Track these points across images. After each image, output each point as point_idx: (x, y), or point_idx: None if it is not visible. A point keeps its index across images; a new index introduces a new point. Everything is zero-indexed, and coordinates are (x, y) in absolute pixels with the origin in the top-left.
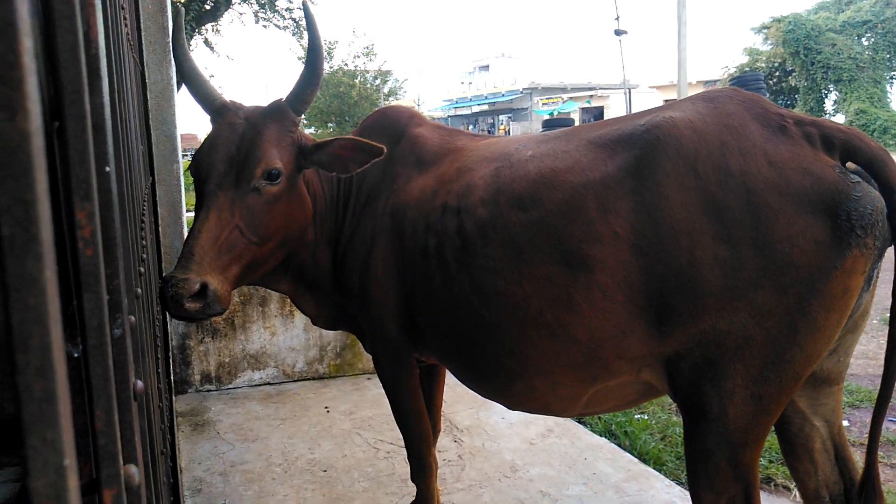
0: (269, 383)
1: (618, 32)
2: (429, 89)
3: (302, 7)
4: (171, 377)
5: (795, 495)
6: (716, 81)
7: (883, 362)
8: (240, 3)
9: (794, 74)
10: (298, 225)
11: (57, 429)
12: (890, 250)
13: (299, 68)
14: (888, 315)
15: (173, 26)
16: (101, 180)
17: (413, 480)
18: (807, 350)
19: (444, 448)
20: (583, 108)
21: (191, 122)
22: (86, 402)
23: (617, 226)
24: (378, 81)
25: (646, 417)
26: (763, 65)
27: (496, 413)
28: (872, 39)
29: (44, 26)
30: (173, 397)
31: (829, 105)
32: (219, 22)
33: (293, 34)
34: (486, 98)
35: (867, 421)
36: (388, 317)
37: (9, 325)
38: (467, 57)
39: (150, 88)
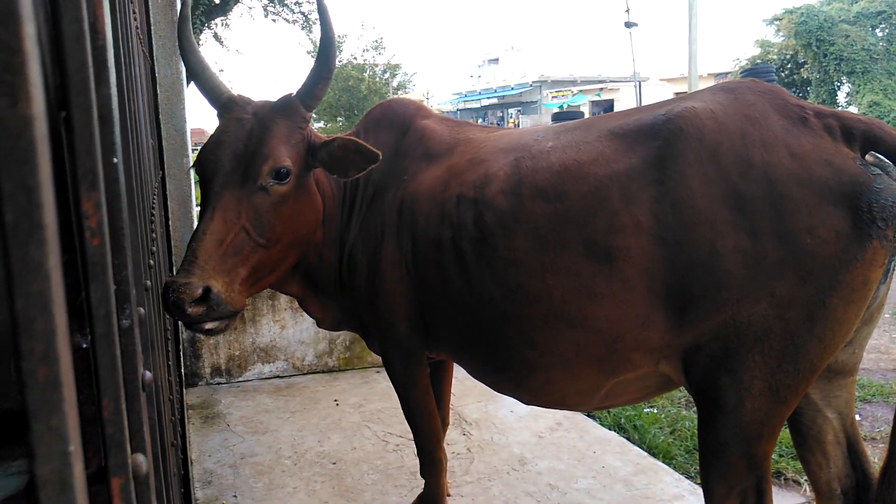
0: (278, 376)
1: (628, 25)
2: (438, 82)
3: None
4: (182, 370)
5: (806, 489)
6: (727, 74)
7: None
8: None
9: (806, 66)
10: (308, 226)
11: (61, 415)
12: None
13: (308, 62)
14: None
15: (179, 17)
16: (108, 171)
17: (423, 476)
18: (825, 342)
19: (453, 441)
20: (592, 102)
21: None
22: (95, 392)
23: (640, 216)
24: (387, 75)
25: (655, 411)
26: (775, 57)
27: (505, 406)
28: (887, 30)
29: (51, 16)
30: (184, 390)
31: (841, 97)
32: (228, 16)
33: (302, 28)
34: (495, 91)
35: (879, 415)
36: (398, 314)
37: (13, 311)
38: (477, 50)
39: (159, 82)
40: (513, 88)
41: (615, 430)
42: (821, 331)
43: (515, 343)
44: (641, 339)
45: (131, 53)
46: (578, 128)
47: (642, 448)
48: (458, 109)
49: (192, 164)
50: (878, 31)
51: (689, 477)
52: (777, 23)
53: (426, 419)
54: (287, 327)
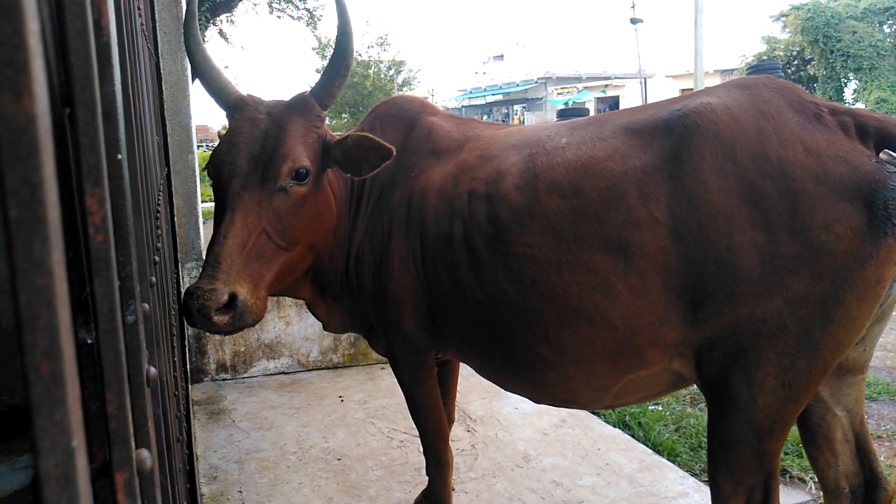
0: (283, 372)
1: (633, 21)
2: (443, 79)
3: None
4: (187, 366)
5: (811, 487)
6: (733, 70)
7: None
8: None
9: (812, 63)
10: (326, 227)
11: (65, 410)
12: None
13: (313, 59)
14: None
15: (186, 14)
16: (113, 167)
17: (429, 474)
18: (838, 338)
19: (458, 438)
20: (598, 98)
21: (203, 114)
22: (100, 387)
23: (656, 211)
24: (392, 72)
25: (660, 408)
26: (781, 53)
27: (509, 403)
28: (895, 27)
29: (55, 12)
30: (189, 386)
31: (848, 94)
32: (233, 12)
33: (307, 24)
34: (500, 88)
35: (885, 413)
36: (405, 313)
37: (17, 306)
38: (482, 47)
39: (164, 79)
40: (518, 85)
41: (620, 428)
42: (835, 328)
43: (529, 340)
44: (657, 335)
45: (136, 50)
46: (592, 124)
47: (647, 445)
48: (462, 106)
49: (196, 160)
50: (885, 27)
51: (693, 474)
52: (784, 19)
53: (433, 419)
54: (292, 324)
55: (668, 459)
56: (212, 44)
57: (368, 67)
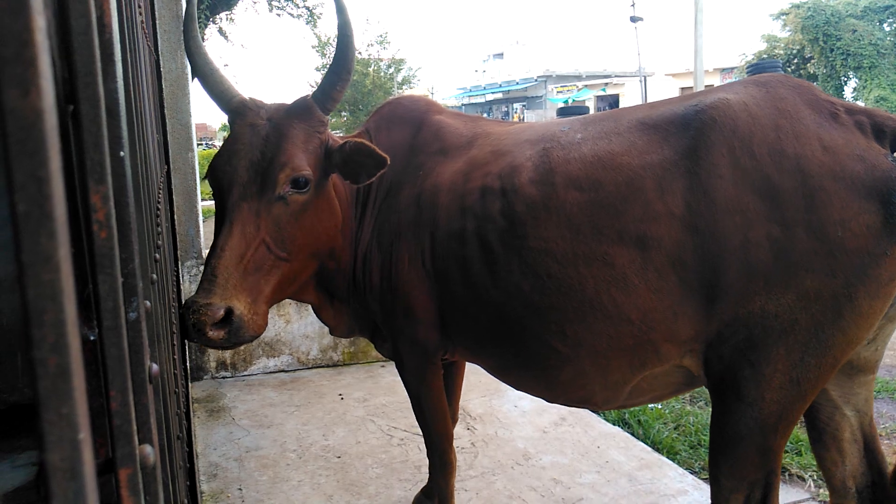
0: (283, 370)
1: (633, 19)
2: (443, 77)
3: None
4: (188, 363)
5: (810, 485)
6: (733, 69)
7: None
8: None
9: (812, 61)
10: (329, 234)
11: (71, 403)
12: None
13: (313, 57)
14: None
15: (185, 16)
16: (116, 164)
17: (432, 475)
18: (849, 336)
19: (458, 436)
20: (598, 96)
21: (202, 112)
22: (102, 384)
23: (673, 205)
24: (392, 70)
25: (659, 407)
26: (781, 52)
27: (509, 401)
28: (895, 25)
29: (58, 10)
30: (189, 383)
31: (848, 92)
32: (233, 11)
33: (307, 23)
34: (500, 86)
35: (884, 412)
36: (414, 313)
37: (25, 300)
38: (481, 45)
39: (164, 77)
40: (518, 83)
41: (619, 426)
42: (846, 325)
43: (543, 335)
44: (672, 329)
45: (137, 48)
46: (605, 119)
47: (646, 443)
48: (462, 104)
49: (196, 158)
50: (885, 25)
51: (692, 472)
52: (784, 17)
53: (439, 421)
54: (292, 322)
55: (668, 457)
56: (211, 42)
57: (368, 65)
